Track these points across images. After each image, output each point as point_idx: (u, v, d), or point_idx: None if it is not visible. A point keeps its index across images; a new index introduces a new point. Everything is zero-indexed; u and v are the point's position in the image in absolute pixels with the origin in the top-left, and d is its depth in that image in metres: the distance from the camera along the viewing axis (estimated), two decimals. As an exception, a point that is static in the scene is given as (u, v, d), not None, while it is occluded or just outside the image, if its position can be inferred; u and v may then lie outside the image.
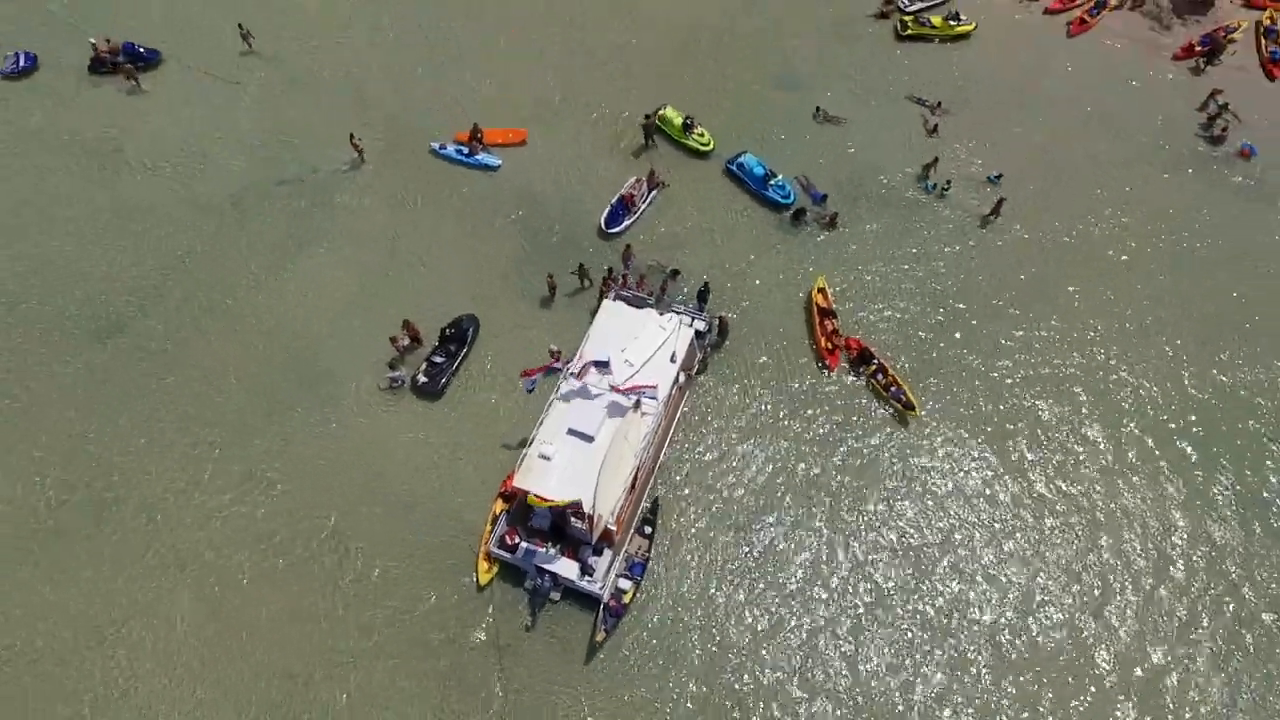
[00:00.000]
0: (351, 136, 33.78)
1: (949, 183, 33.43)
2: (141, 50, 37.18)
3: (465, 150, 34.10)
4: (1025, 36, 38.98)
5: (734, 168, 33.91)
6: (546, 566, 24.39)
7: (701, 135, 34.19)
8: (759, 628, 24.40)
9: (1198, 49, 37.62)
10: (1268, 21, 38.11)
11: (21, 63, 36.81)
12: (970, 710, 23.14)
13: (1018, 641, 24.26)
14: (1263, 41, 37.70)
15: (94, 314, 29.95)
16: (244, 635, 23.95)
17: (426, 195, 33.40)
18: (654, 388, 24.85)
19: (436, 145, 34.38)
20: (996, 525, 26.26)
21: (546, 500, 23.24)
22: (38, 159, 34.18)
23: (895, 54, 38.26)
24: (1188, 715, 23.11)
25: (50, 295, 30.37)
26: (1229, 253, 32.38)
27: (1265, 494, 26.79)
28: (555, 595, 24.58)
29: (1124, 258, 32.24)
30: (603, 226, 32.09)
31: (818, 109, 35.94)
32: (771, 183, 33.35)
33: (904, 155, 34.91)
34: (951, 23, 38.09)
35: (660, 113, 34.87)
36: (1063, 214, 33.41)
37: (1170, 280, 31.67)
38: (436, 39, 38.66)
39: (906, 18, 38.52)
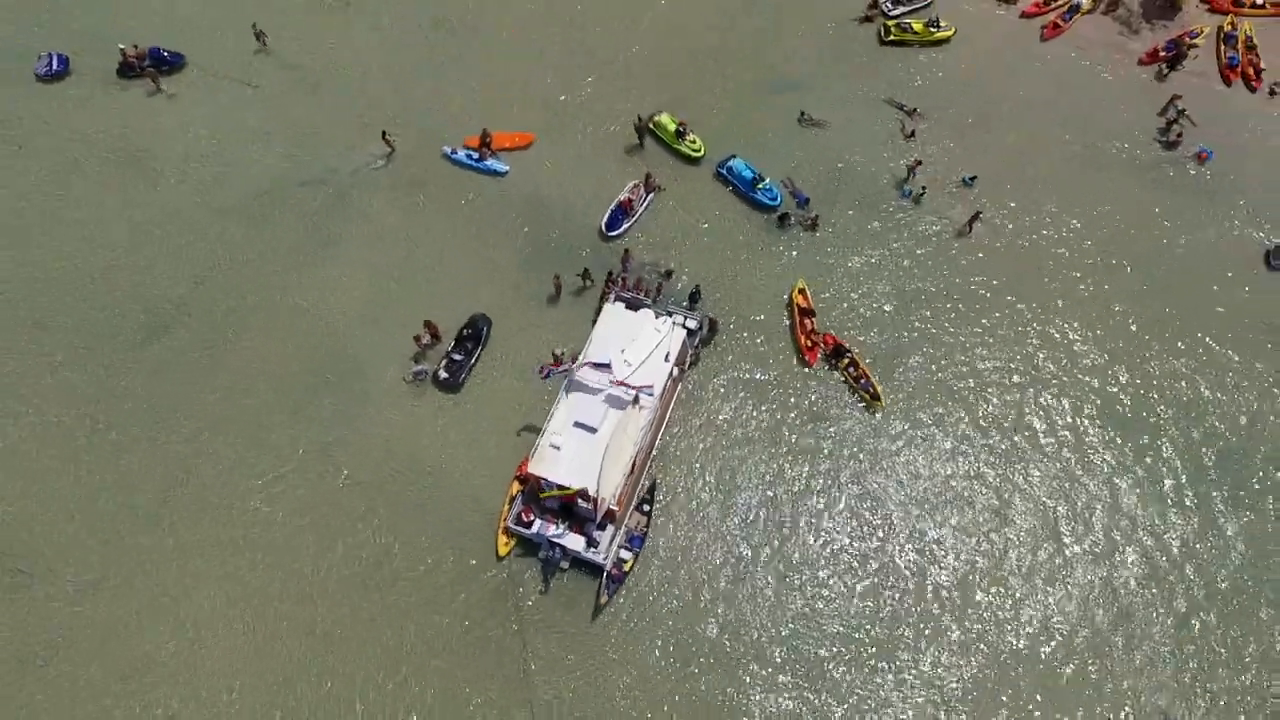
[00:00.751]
0: (384, 134, 36.45)
1: (924, 188, 36.24)
2: (166, 54, 39.45)
3: (475, 155, 36.77)
4: (1001, 41, 41.27)
5: (724, 171, 36.67)
6: (557, 540, 28.11)
7: (694, 142, 36.87)
8: (740, 590, 28.23)
9: (1162, 54, 40.00)
10: (1229, 27, 40.40)
11: (55, 65, 39.06)
12: (923, 639, 27.17)
13: (972, 578, 28.21)
14: (1222, 47, 40.07)
15: (138, 316, 32.96)
16: (297, 590, 27.75)
17: (438, 199, 36.20)
18: (650, 387, 28.21)
19: (448, 150, 37.03)
20: (944, 494, 29.97)
21: (557, 491, 26.87)
22: (71, 161, 36.76)
23: (878, 59, 40.61)
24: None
25: (89, 297, 33.36)
26: (1177, 257, 35.46)
27: (1179, 477, 30.50)
28: (565, 564, 28.34)
29: (1088, 261, 35.26)
30: (603, 230, 35.02)
31: (802, 114, 38.50)
32: (759, 186, 36.15)
33: (883, 159, 37.65)
34: (931, 29, 40.31)
35: (655, 118, 37.47)
36: (1028, 217, 36.35)
37: (1122, 280, 34.82)
38: (441, 44, 40.86)
39: (890, 23, 40.72)
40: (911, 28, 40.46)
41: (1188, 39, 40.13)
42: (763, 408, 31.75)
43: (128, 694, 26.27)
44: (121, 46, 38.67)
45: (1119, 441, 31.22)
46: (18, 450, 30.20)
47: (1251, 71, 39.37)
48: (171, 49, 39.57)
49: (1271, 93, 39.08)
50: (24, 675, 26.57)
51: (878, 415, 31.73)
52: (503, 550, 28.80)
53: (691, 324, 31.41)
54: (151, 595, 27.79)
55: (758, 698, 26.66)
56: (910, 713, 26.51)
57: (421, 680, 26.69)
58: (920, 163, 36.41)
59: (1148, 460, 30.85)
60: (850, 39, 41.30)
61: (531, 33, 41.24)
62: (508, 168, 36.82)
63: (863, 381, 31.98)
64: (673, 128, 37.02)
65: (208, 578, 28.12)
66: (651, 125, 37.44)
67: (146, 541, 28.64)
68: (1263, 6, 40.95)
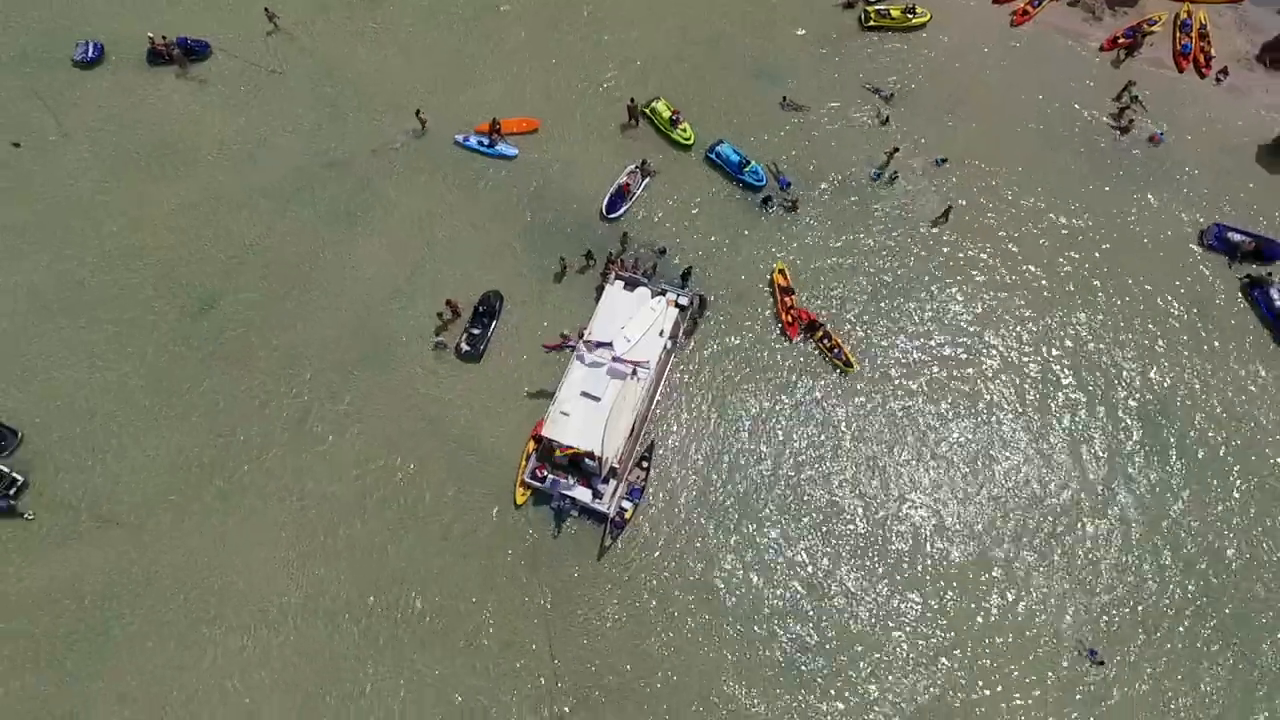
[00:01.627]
0: (418, 111, 39.63)
1: (895, 173, 39.79)
2: (191, 42, 42.09)
3: (486, 141, 40.03)
4: (974, 26, 44.09)
5: (713, 156, 40.09)
6: (567, 493, 32.84)
7: (685, 130, 40.13)
8: (725, 534, 33.19)
9: (1122, 40, 42.99)
10: (1185, 15, 43.27)
11: (91, 52, 41.74)
12: (880, 566, 32.42)
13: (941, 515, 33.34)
14: (1177, 34, 43.04)
15: (185, 294, 36.83)
16: (345, 536, 32.61)
17: (453, 183, 39.63)
18: (646, 363, 32.52)
19: (460, 137, 40.25)
20: (903, 447, 34.72)
21: (568, 449, 31.47)
22: (108, 145, 39.91)
23: (858, 44, 43.50)
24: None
25: (136, 275, 37.18)
26: (1122, 235, 39.39)
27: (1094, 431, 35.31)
28: (574, 513, 33.16)
29: (1042, 241, 39.13)
30: (603, 211, 38.67)
31: (784, 98, 41.62)
32: (746, 169, 39.67)
33: (860, 143, 41.05)
34: (908, 15, 43.07)
35: (651, 104, 40.63)
36: (990, 197, 40.04)
37: (1072, 254, 38.84)
38: (454, 31, 43.49)
39: (870, 9, 43.42)
40: (889, 13, 43.19)
41: (1146, 25, 43.04)
42: (748, 375, 36.14)
43: (207, 602, 31.41)
44: (150, 35, 41.31)
45: (1055, 396, 35.87)
46: (97, 411, 34.55)
47: (1202, 58, 42.46)
48: (196, 37, 42.21)
49: (1218, 80, 42.28)
50: (122, 605, 31.59)
51: (849, 379, 36.17)
52: (520, 500, 33.56)
53: (684, 301, 35.49)
54: (223, 532, 32.63)
55: (731, 620, 31.89)
56: (856, 612, 31.86)
57: (447, 600, 31.81)
58: (897, 150, 39.80)
59: (1069, 410, 35.57)
60: (833, 24, 44.04)
61: (532, 22, 43.76)
62: (517, 151, 40.15)
63: (836, 351, 36.30)
64: (667, 115, 40.21)
65: (263, 514, 32.93)
66: (647, 111, 40.61)
67: (226, 485, 33.34)
68: (1217, -7, 43.81)
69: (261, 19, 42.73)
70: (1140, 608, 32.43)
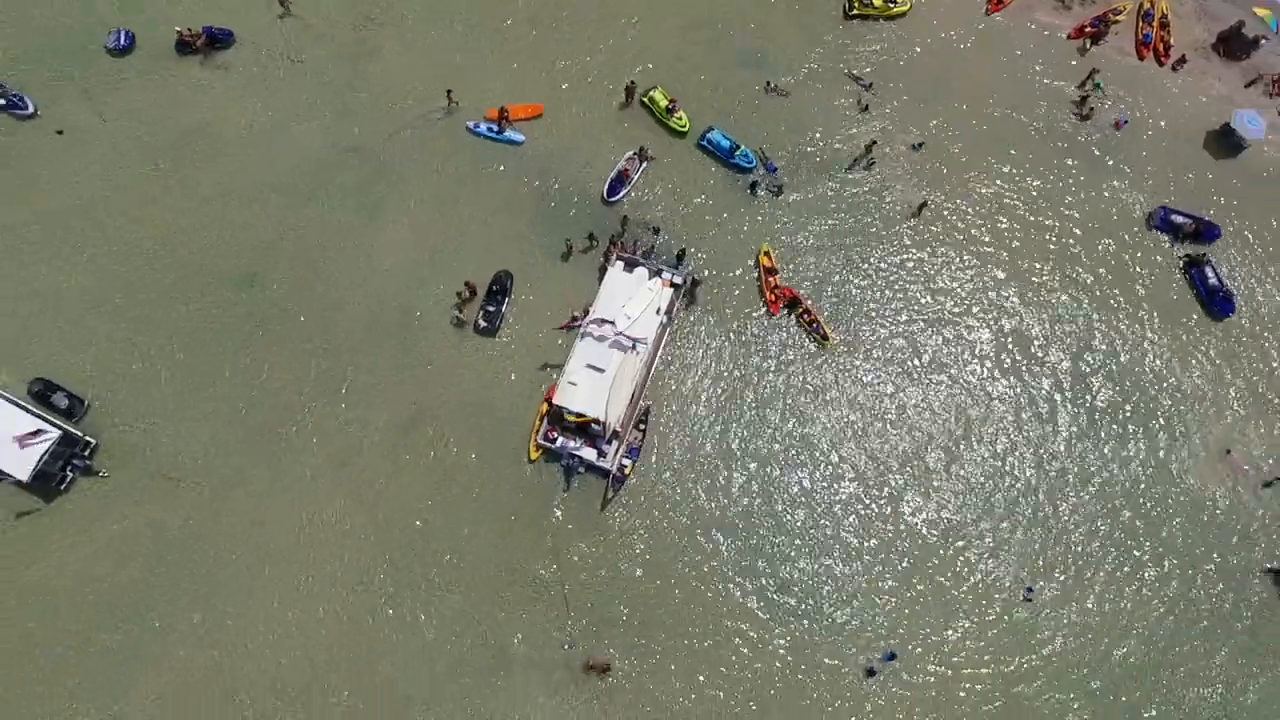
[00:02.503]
0: (449, 93, 42.82)
1: (873, 160, 43.30)
2: (217, 32, 44.76)
3: (496, 128, 43.30)
4: (952, 14, 46.78)
5: (705, 142, 43.48)
6: (575, 452, 37.52)
7: (680, 119, 43.39)
8: (712, 486, 38.06)
9: (1088, 29, 45.92)
10: (1148, 4, 46.11)
11: (123, 40, 44.45)
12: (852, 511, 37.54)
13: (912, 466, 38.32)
14: (1140, 24, 45.98)
15: (224, 272, 40.73)
16: (380, 488, 37.43)
17: (465, 168, 43.01)
18: (645, 339, 36.83)
19: (471, 124, 43.47)
20: (870, 411, 39.40)
21: (576, 416, 36.05)
22: (141, 131, 43.04)
23: (842, 31, 46.34)
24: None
25: (185, 257, 41.03)
26: (1078, 213, 43.22)
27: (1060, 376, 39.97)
28: (580, 470, 37.87)
29: (1003, 221, 42.96)
30: (605, 196, 42.29)
31: (768, 83, 44.67)
32: (736, 153, 43.14)
33: (842, 129, 44.37)
34: (890, 4, 45.83)
35: (649, 93, 43.79)
36: (959, 183, 43.66)
37: (1030, 230, 42.78)
38: (464, 21, 46.15)
39: (854, -2, 46.20)
40: (872, 2, 45.95)
41: (1111, 15, 45.92)
42: (735, 347, 40.48)
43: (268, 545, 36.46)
44: (178, 28, 43.94)
45: (1003, 361, 40.39)
46: (151, 380, 38.91)
47: (1161, 47, 45.53)
48: (221, 26, 44.87)
49: (1175, 68, 45.44)
50: (186, 551, 36.58)
51: (827, 350, 40.53)
52: (533, 456, 38.28)
53: (678, 279, 39.54)
54: (270, 481, 37.44)
55: (714, 561, 37.00)
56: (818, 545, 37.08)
57: (472, 542, 36.85)
58: (875, 142, 43.19)
59: (1013, 372, 40.17)
60: (818, 12, 46.77)
61: (540, 15, 46.31)
62: (523, 138, 43.48)
63: (815, 325, 40.55)
64: (664, 104, 43.43)
65: (304, 468, 37.67)
66: (645, 100, 43.81)
67: (279, 451, 37.98)
68: (1181, -18, 46.50)
69: (280, 8, 45.33)
70: (1071, 549, 37.65)
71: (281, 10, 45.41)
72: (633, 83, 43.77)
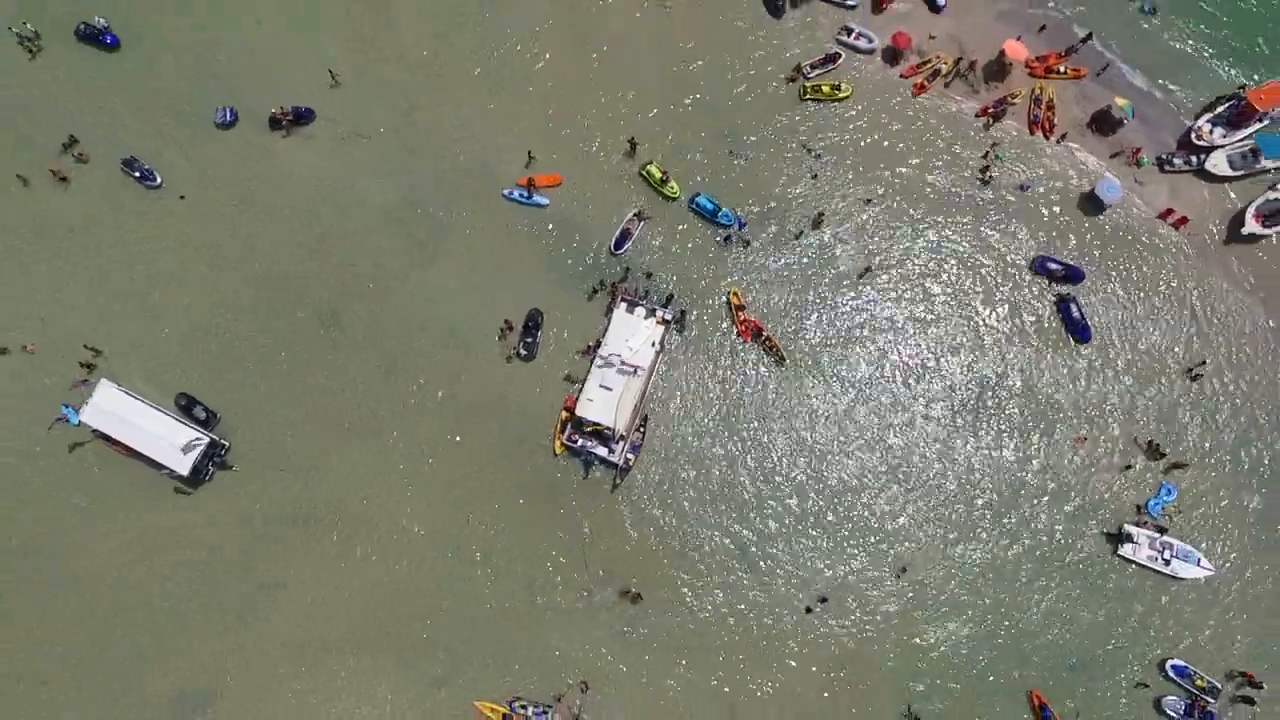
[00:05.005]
0: (529, 153, 54.42)
1: (821, 215, 55.54)
2: (302, 111, 56.11)
3: (525, 193, 55.20)
4: (885, 98, 58.65)
5: (694, 205, 55.61)
6: (592, 450, 50.38)
7: (672, 187, 55.40)
8: (699, 472, 51.13)
9: (991, 110, 58.03)
10: (1038, 90, 58.19)
11: (228, 117, 55.74)
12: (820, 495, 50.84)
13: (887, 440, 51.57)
14: (1031, 106, 58.13)
15: (312, 306, 52.97)
16: (441, 471, 50.30)
17: (501, 226, 55.08)
18: (643, 365, 49.63)
19: (506, 191, 55.35)
20: (817, 412, 52.44)
21: (593, 424, 48.99)
22: (246, 192, 54.80)
23: (798, 111, 58.23)
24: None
25: (280, 293, 53.22)
26: (981, 262, 55.86)
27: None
28: (595, 462, 50.76)
29: (923, 261, 55.57)
30: (611, 249, 54.51)
31: (731, 151, 56.55)
32: (719, 214, 55.31)
33: (796, 190, 56.55)
34: (836, 90, 57.70)
35: (646, 167, 55.74)
36: (890, 234, 56.09)
37: (943, 279, 55.47)
38: (495, 99, 57.76)
39: (807, 84, 57.95)
40: (821, 89, 57.81)
41: (1009, 98, 58.00)
42: (714, 366, 53.25)
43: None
44: (273, 110, 55.29)
45: (922, 376, 53.47)
46: (258, 388, 51.43)
47: (1048, 125, 57.77)
48: (305, 105, 56.19)
49: (1058, 142, 57.69)
50: (297, 522, 49.54)
51: (784, 367, 53.29)
52: (558, 450, 51.13)
53: (668, 316, 52.11)
54: (364, 468, 50.29)
55: (703, 531, 50.26)
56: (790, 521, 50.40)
57: (504, 516, 49.96)
58: (823, 203, 55.48)
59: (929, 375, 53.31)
60: (779, 95, 58.57)
61: (560, 92, 57.85)
62: (547, 201, 55.46)
63: (774, 350, 53.27)
64: (658, 175, 55.43)
65: (387, 457, 50.54)
66: (643, 173, 55.79)
67: (361, 447, 50.76)
68: (1064, 72, 58.41)
69: (359, 93, 56.56)
70: (956, 515, 51.19)
71: (332, 81, 56.54)
72: (633, 139, 55.58)
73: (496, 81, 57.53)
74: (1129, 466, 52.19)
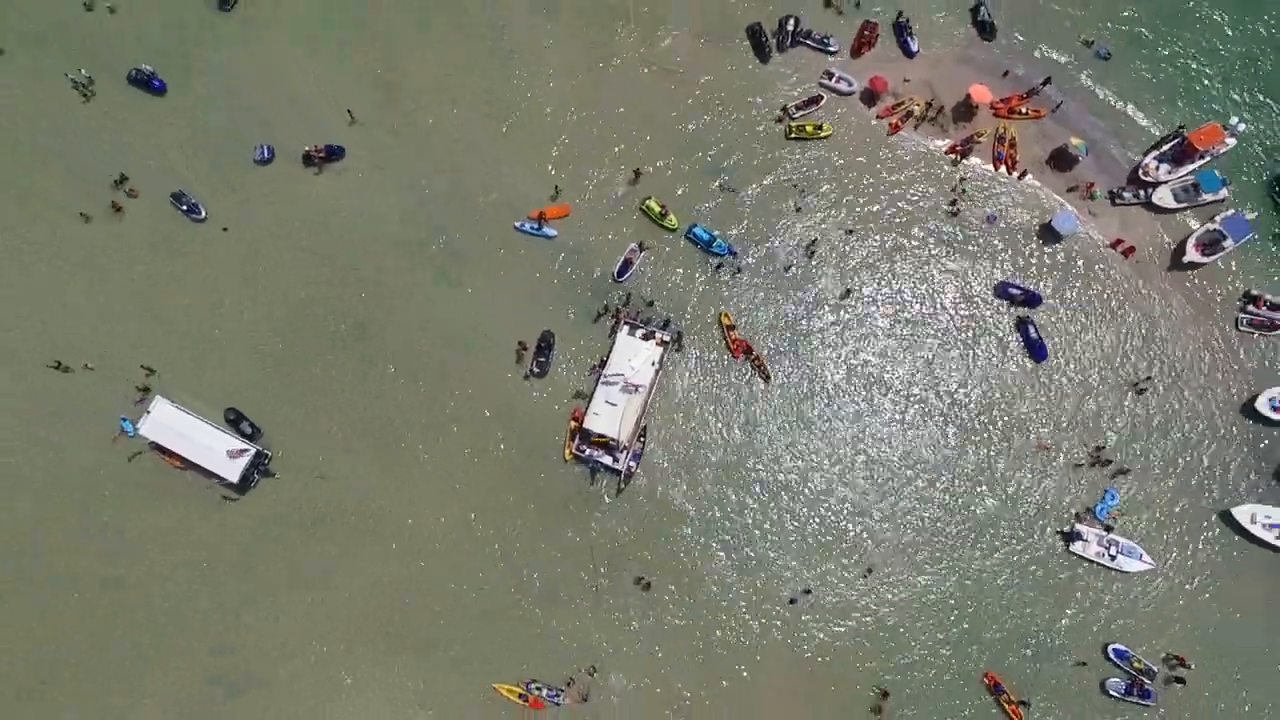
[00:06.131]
0: (556, 187, 59.99)
1: (805, 243, 61.37)
2: (334, 148, 61.61)
3: (536, 225, 60.87)
4: (862, 137, 64.43)
5: (690, 236, 61.36)
6: (598, 459, 56.24)
7: (670, 220, 61.14)
8: (692, 477, 57.04)
9: (959, 147, 63.86)
10: (1001, 129, 64.04)
11: (266, 154, 61.23)
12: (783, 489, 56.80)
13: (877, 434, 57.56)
14: (995, 144, 63.97)
15: (341, 324, 58.66)
16: (464, 476, 56.16)
17: (514, 255, 60.78)
18: (644, 383, 55.47)
19: (518, 224, 61.00)
20: (801, 426, 58.37)
21: (599, 436, 54.84)
22: (283, 226, 60.40)
23: (783, 149, 63.99)
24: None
25: (316, 313, 58.91)
26: (949, 287, 61.79)
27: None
28: (601, 469, 56.62)
29: (897, 287, 61.51)
30: (615, 276, 60.26)
31: (722, 185, 62.31)
32: (714, 244, 61.07)
33: (782, 221, 62.34)
34: (818, 129, 63.46)
35: (646, 202, 61.46)
36: (867, 259, 61.91)
37: (916, 305, 61.36)
38: (517, 143, 63.40)
39: (793, 124, 63.67)
40: (805, 128, 63.56)
41: (976, 137, 63.85)
42: (707, 382, 59.10)
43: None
44: (307, 148, 60.82)
45: (893, 387, 59.42)
46: (297, 402, 57.13)
47: (1010, 161, 63.66)
48: (336, 143, 61.69)
49: (1019, 177, 63.58)
50: (333, 524, 55.33)
51: (769, 384, 59.18)
52: (567, 457, 57.01)
53: (666, 338, 57.96)
54: (395, 476, 56.13)
55: (690, 528, 56.19)
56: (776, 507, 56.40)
57: (519, 517, 55.84)
58: (808, 231, 61.31)
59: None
60: (766, 134, 64.30)
61: (568, 130, 63.51)
62: (556, 233, 61.16)
63: (760, 367, 59.16)
64: (658, 209, 61.16)
65: (417, 464, 56.37)
66: (644, 208, 61.50)
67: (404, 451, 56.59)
68: (1025, 113, 64.30)
69: (383, 127, 62.16)
70: (927, 518, 57.26)
71: (350, 120, 62.05)
72: (638, 169, 61.30)
73: (514, 126, 63.35)
74: (1079, 466, 58.25)
